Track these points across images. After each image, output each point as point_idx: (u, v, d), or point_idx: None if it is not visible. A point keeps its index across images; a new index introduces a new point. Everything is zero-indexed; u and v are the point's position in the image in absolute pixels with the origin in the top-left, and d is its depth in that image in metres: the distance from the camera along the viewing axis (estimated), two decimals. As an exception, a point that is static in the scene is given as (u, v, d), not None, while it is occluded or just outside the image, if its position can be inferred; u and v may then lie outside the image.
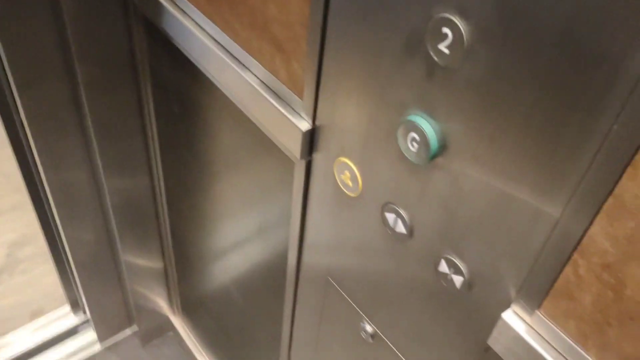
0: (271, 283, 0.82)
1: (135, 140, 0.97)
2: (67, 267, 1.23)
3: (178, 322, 1.37)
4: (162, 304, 1.34)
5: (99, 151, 0.93)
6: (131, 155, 0.99)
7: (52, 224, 1.12)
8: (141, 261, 1.19)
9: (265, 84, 0.58)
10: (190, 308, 1.29)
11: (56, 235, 1.14)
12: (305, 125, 0.54)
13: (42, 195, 1.06)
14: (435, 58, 0.38)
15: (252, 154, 0.72)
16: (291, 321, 0.78)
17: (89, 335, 1.38)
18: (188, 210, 1.01)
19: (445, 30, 0.37)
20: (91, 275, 1.19)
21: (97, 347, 1.37)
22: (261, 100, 0.58)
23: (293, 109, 0.55)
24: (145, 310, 1.32)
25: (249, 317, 0.98)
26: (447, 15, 0.36)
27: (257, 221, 0.80)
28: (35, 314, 1.41)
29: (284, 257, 0.71)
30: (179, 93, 0.82)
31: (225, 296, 1.04)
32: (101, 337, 1.36)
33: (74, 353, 1.35)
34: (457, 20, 0.36)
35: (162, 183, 1.03)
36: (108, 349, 1.38)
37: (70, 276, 1.25)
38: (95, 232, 1.12)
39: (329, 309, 0.67)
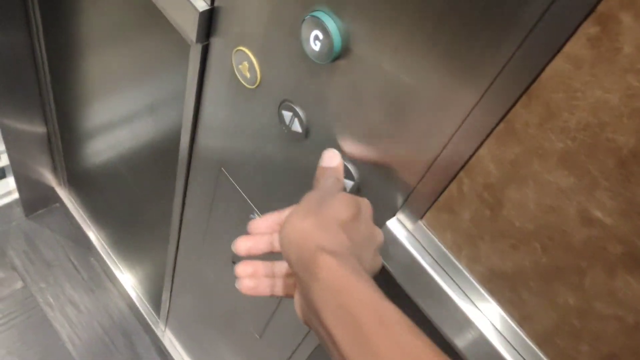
0: (162, 165, 0.79)
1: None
2: None
3: (64, 194, 1.32)
4: (47, 174, 1.27)
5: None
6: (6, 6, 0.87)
7: None
8: (21, 126, 1.10)
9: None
10: (77, 181, 1.23)
11: None
12: (202, 4, 0.49)
13: None
14: (347, -48, 0.35)
15: (145, 30, 0.66)
16: (182, 205, 0.77)
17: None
18: (73, 78, 0.93)
19: None
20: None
21: (-26, 215, 1.30)
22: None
23: (190, -15, 0.50)
24: (28, 180, 1.25)
25: (139, 195, 0.96)
26: None
27: (148, 99, 0.75)
28: None
29: (176, 140, 0.68)
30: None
31: (113, 172, 1.00)
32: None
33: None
34: None
35: (42, 44, 0.93)
36: (-13, 217, 1.31)
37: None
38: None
39: (220, 198, 0.66)
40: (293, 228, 0.34)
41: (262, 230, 0.41)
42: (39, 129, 1.13)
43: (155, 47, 0.66)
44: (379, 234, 0.39)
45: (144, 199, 0.94)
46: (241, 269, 0.42)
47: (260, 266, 0.42)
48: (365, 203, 0.38)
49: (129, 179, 0.94)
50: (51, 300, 1.24)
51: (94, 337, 1.23)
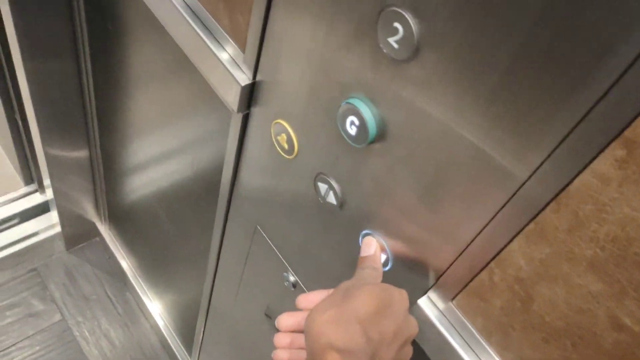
0: (200, 212, 0.81)
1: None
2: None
3: (104, 229, 1.36)
4: (89, 209, 1.32)
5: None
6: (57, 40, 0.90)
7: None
8: (66, 160, 1.14)
9: (207, 29, 0.54)
10: (117, 216, 1.27)
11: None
12: (244, 79, 0.52)
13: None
14: (384, 50, 0.37)
15: (190, 90, 0.69)
16: (217, 253, 0.79)
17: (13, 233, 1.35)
18: (118, 116, 0.97)
19: (397, 25, 0.35)
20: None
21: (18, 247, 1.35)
22: (202, 46, 0.54)
23: (234, 60, 0.52)
24: (70, 214, 1.29)
25: (175, 237, 0.98)
26: (399, 9, 0.34)
27: (189, 150, 0.78)
28: None
29: (214, 192, 0.70)
30: (114, 15, 0.76)
31: (151, 211, 1.03)
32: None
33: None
34: (408, 16, 0.34)
35: (90, 79, 0.97)
36: (30, 248, 1.36)
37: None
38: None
39: (256, 253, 0.68)
40: (312, 320, 0.35)
41: (307, 307, 0.41)
42: (84, 163, 1.17)
43: (198, 108, 0.69)
44: (412, 326, 0.39)
45: (180, 241, 0.96)
46: (279, 339, 0.43)
47: (297, 338, 0.43)
48: (398, 295, 0.38)
49: (166, 220, 0.97)
50: (87, 334, 1.28)
51: (127, 372, 1.25)
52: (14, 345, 1.23)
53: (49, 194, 1.29)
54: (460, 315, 0.41)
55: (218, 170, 0.67)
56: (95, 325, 1.29)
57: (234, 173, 0.63)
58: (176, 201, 0.87)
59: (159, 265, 1.17)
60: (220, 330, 0.97)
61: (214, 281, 0.86)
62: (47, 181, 1.20)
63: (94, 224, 1.36)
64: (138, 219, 1.12)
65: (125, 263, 1.32)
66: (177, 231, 0.94)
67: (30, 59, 0.88)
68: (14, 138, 1.19)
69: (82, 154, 1.14)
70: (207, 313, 0.97)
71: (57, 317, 1.28)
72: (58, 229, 1.36)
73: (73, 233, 1.35)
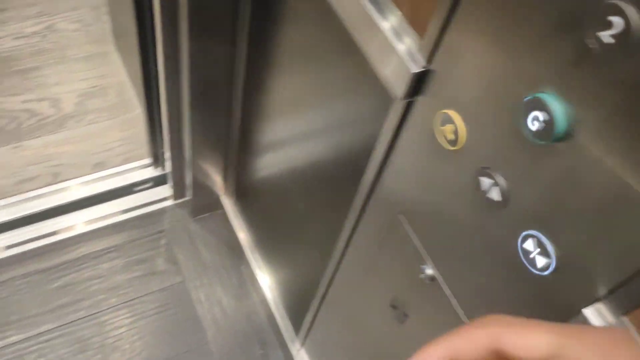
0: (335, 199, 0.83)
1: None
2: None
3: (228, 203, 1.42)
4: (217, 181, 1.39)
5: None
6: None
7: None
8: (206, 133, 1.21)
9: (382, 12, 0.55)
10: (243, 192, 1.33)
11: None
12: (416, 66, 0.52)
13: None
14: (591, 45, 0.36)
15: (347, 70, 0.70)
16: (348, 238, 0.80)
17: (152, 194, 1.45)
18: (264, 98, 1.01)
19: (614, 18, 0.34)
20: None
21: (151, 208, 1.45)
22: (374, 30, 0.55)
23: (409, 47, 0.53)
24: (201, 184, 1.37)
25: (303, 217, 1.01)
26: (620, 2, 0.33)
27: (335, 131, 0.79)
28: (97, 166, 1.48)
29: (356, 175, 0.72)
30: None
31: (282, 191, 1.07)
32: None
33: (134, 209, 1.43)
34: (631, 11, 0.33)
35: (243, 55, 1.02)
36: (161, 211, 1.46)
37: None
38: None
39: (390, 242, 0.68)
40: None
41: None
42: (221, 137, 1.23)
43: (355, 92, 0.70)
44: None
45: (309, 222, 0.99)
46: None
47: None
48: None
49: (297, 200, 1.00)
50: (203, 298, 1.35)
51: (234, 342, 1.30)
52: (137, 298, 1.33)
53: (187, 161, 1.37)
54: (633, 331, 0.39)
55: (365, 155, 0.68)
56: (211, 292, 1.36)
57: (383, 160, 0.63)
58: (313, 182, 0.89)
59: (278, 244, 1.21)
60: (335, 316, 0.98)
61: (338, 265, 0.87)
62: (187, 152, 1.28)
63: (219, 197, 1.43)
64: (266, 196, 1.17)
65: (244, 237, 1.37)
66: (307, 212, 0.96)
67: (197, 35, 0.94)
68: (153, 105, 1.27)
69: (221, 128, 1.20)
70: (324, 297, 0.99)
71: (178, 278, 1.37)
72: (187, 197, 1.45)
73: (200, 203, 1.43)
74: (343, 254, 0.85)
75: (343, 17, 0.61)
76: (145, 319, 1.30)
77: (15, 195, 1.41)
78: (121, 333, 1.28)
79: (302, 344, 1.20)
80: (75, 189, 1.44)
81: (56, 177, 1.45)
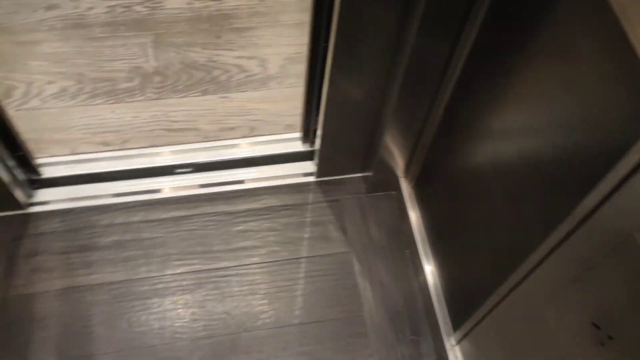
0: (549, 203, 0.80)
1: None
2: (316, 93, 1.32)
3: (405, 186, 1.44)
4: (399, 163, 1.41)
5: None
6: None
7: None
8: (404, 114, 1.23)
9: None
10: (425, 179, 1.34)
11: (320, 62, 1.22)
12: None
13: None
14: None
15: (607, 82, 0.67)
16: (552, 249, 0.78)
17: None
18: (483, 89, 1.00)
19: None
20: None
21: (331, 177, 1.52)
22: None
23: None
24: (382, 162, 1.40)
25: (493, 220, 0.99)
26: None
27: (570, 133, 0.75)
28: (289, 128, 1.57)
29: (582, 187, 0.69)
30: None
31: (475, 188, 1.06)
32: (326, 173, 1.49)
33: (297, 175, 1.51)
34: None
35: (461, 59, 1.02)
36: (339, 181, 1.51)
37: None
38: (372, 78, 1.16)
39: (615, 259, 0.65)
40: None
41: None
42: (417, 123, 1.25)
43: (607, 94, 0.67)
44: None
45: (500, 224, 0.97)
46: None
47: None
48: None
49: (492, 200, 0.98)
50: (364, 272, 1.39)
51: (387, 321, 1.33)
52: (306, 257, 1.40)
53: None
54: None
55: (606, 161, 0.64)
56: (373, 268, 1.39)
57: (632, 169, 0.60)
58: (521, 182, 0.87)
59: (454, 238, 1.21)
60: (508, 322, 0.96)
61: (529, 273, 0.85)
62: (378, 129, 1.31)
63: (398, 179, 1.46)
64: (453, 187, 1.16)
65: (416, 223, 1.38)
66: (502, 213, 0.94)
67: (426, 26, 0.96)
68: (315, 82, 1.29)
69: (420, 113, 1.22)
70: (500, 302, 0.97)
71: (344, 248, 1.42)
72: (367, 172, 1.49)
73: (378, 180, 1.46)
74: (539, 264, 0.82)
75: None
76: (309, 277, 1.37)
77: (215, 140, 1.55)
78: (286, 285, 1.36)
79: (458, 342, 1.19)
80: (263, 146, 1.54)
81: (252, 131, 1.56)
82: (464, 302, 1.16)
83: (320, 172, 1.48)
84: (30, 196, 1.41)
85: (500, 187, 0.94)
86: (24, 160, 1.37)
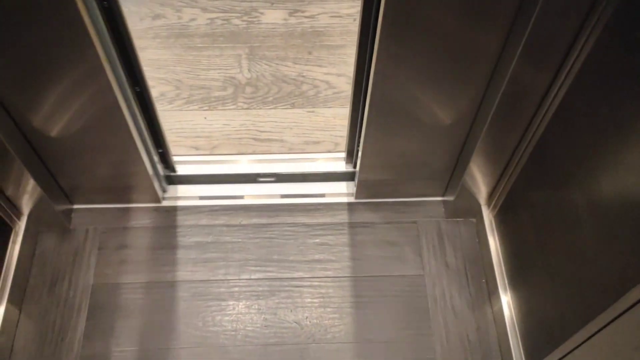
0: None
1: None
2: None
3: (486, 214, 1.42)
4: (482, 192, 1.39)
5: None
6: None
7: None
8: (489, 148, 1.23)
9: None
10: (510, 208, 1.31)
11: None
12: None
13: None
14: None
15: None
16: (635, 301, 0.75)
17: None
18: (585, 129, 0.98)
19: None
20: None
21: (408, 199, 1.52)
22: None
23: None
24: (464, 189, 1.39)
25: (586, 257, 0.96)
26: None
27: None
28: (335, 146, 1.59)
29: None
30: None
31: (568, 225, 1.03)
32: (405, 194, 1.49)
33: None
34: None
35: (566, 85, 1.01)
36: (416, 203, 1.51)
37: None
38: (465, 103, 1.16)
39: None
40: None
41: None
42: (507, 151, 1.23)
43: None
44: None
45: (589, 261, 0.94)
46: None
47: None
48: None
49: (585, 234, 0.95)
50: (437, 296, 1.38)
51: (458, 350, 1.31)
52: (380, 276, 1.41)
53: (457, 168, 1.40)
54: None
55: None
56: (447, 294, 1.38)
57: None
58: (620, 221, 0.84)
59: (537, 270, 1.18)
60: (590, 361, 0.93)
61: (617, 317, 0.82)
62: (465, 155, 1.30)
63: (478, 205, 1.44)
64: (543, 218, 1.14)
65: (495, 251, 1.36)
66: (598, 251, 0.92)
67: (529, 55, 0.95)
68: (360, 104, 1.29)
69: (512, 141, 1.20)
70: (582, 344, 0.94)
71: (419, 271, 1.41)
72: (447, 197, 1.48)
73: (458, 205, 1.45)
74: (630, 308, 0.79)
75: None
76: (381, 297, 1.38)
77: (299, 152, 1.59)
78: (358, 302, 1.37)
79: (532, 378, 1.16)
80: (340, 162, 1.56)
81: (336, 147, 1.59)
82: (541, 339, 1.13)
83: (398, 193, 1.49)
84: (165, 190, 1.50)
85: (594, 223, 0.91)
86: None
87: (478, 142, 1.20)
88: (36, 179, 1.26)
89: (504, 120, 1.13)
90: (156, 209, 1.48)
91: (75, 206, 1.49)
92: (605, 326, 0.86)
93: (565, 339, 1.01)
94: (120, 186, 1.42)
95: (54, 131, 1.18)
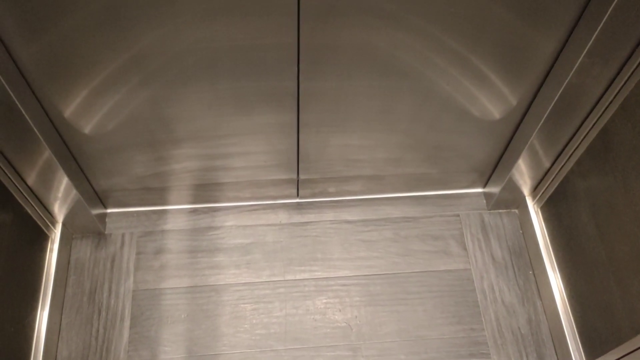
0: None
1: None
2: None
3: (531, 205, 1.40)
4: (527, 183, 1.37)
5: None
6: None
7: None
8: (542, 144, 1.21)
9: None
10: (556, 201, 1.30)
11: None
12: None
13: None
14: None
15: None
16: None
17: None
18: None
19: None
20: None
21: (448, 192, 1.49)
22: None
23: None
24: (510, 180, 1.36)
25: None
26: None
27: None
28: None
29: None
30: None
31: (630, 214, 1.01)
32: (446, 186, 1.47)
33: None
34: None
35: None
36: (458, 196, 1.49)
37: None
38: (517, 97, 1.14)
39: None
40: None
41: None
42: (560, 143, 1.21)
43: None
44: None
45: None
46: None
47: None
48: None
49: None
50: (486, 291, 1.36)
51: (512, 344, 1.30)
52: (426, 272, 1.39)
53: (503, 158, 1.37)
54: None
55: None
56: (496, 287, 1.37)
57: None
58: None
59: (598, 264, 1.16)
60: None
61: None
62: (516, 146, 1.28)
63: (523, 196, 1.42)
64: (603, 207, 1.12)
65: (542, 243, 1.34)
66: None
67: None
68: None
69: (565, 135, 1.18)
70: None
71: (465, 265, 1.39)
72: (490, 188, 1.46)
73: (500, 197, 1.43)
74: None
75: None
76: (430, 292, 1.36)
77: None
78: (406, 298, 1.35)
79: (594, 371, 1.15)
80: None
81: (371, 140, 1.56)
82: (604, 333, 1.12)
83: (440, 185, 1.47)
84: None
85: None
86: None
87: (530, 139, 1.18)
88: (72, 180, 1.21)
89: (558, 115, 1.11)
90: (194, 211, 1.44)
91: (109, 210, 1.44)
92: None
93: (628, 337, 1.00)
94: (156, 187, 1.37)
95: (89, 128, 1.12)
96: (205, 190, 1.41)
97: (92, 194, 1.35)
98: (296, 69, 1.01)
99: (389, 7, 0.89)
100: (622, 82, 1.00)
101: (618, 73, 1.01)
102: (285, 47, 0.96)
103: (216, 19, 0.89)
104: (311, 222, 1.44)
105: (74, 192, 1.24)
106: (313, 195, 1.46)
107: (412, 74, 1.05)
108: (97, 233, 1.41)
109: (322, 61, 1.00)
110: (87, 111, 1.08)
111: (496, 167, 1.40)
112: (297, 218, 1.44)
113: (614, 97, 1.03)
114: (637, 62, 0.96)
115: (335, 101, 1.11)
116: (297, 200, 1.46)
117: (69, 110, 1.07)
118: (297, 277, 1.37)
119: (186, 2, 0.85)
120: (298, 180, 1.39)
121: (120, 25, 0.88)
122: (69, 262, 1.38)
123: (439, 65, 1.03)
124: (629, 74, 0.98)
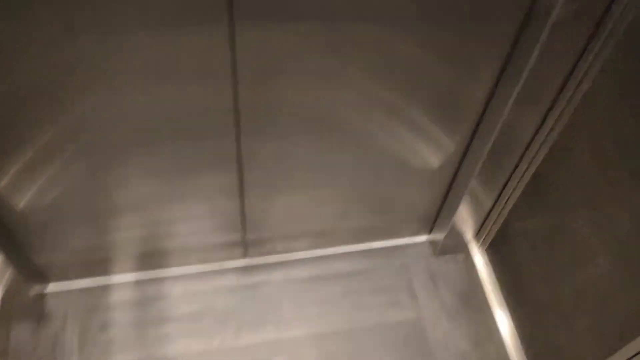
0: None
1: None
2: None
3: (475, 250, 1.44)
4: (469, 229, 1.41)
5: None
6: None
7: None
8: (480, 189, 1.25)
9: None
10: (500, 244, 1.33)
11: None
12: None
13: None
14: None
15: None
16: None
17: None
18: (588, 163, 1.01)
19: None
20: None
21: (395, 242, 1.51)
22: None
23: None
24: (453, 228, 1.40)
25: (598, 296, 0.98)
26: None
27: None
28: None
29: None
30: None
31: (580, 259, 1.05)
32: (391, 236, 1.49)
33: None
34: None
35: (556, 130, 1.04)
36: (402, 247, 1.51)
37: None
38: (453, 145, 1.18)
39: None
40: None
41: None
42: (497, 187, 1.25)
43: None
44: None
45: (604, 293, 0.96)
46: None
47: None
48: None
49: (600, 265, 0.97)
50: (440, 338, 1.36)
51: (470, 388, 1.30)
52: (377, 325, 1.38)
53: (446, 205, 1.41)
54: None
55: None
56: (449, 333, 1.37)
57: None
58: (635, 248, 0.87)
59: (541, 303, 1.19)
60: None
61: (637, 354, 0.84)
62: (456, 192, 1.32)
63: (467, 241, 1.45)
64: (546, 249, 1.16)
65: (490, 287, 1.37)
66: (613, 282, 0.94)
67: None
68: None
69: (502, 178, 1.23)
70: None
71: (417, 314, 1.40)
72: (434, 235, 1.49)
73: (445, 243, 1.46)
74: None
75: None
76: (383, 346, 1.35)
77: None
78: (361, 355, 1.33)
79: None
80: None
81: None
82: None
83: (386, 235, 1.49)
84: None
85: (610, 256, 0.94)
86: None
87: (469, 185, 1.22)
88: (9, 257, 1.15)
89: (493, 160, 1.16)
90: (140, 281, 1.40)
91: (51, 285, 1.38)
92: None
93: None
94: (99, 259, 1.33)
95: (22, 203, 1.08)
96: (150, 258, 1.37)
97: (31, 270, 1.29)
98: (235, 131, 1.01)
99: (325, 64, 0.92)
100: (549, 128, 1.06)
101: (544, 119, 1.07)
102: (223, 110, 0.97)
103: (152, 85, 0.90)
104: (261, 282, 1.42)
105: (10, 270, 1.18)
106: (261, 254, 1.45)
107: (352, 128, 1.08)
108: (38, 312, 1.33)
109: (262, 122, 1.01)
110: (19, 187, 1.04)
111: (439, 214, 1.43)
112: (246, 280, 1.42)
113: (543, 142, 1.09)
114: (561, 109, 1.02)
115: (278, 160, 1.12)
116: (246, 260, 1.44)
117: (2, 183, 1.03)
118: (250, 341, 1.33)
119: (119, 68, 0.85)
120: (245, 241, 1.37)
121: (51, 96, 0.87)
122: (8, 347, 1.29)
123: (377, 118, 1.06)
124: (554, 119, 1.04)
